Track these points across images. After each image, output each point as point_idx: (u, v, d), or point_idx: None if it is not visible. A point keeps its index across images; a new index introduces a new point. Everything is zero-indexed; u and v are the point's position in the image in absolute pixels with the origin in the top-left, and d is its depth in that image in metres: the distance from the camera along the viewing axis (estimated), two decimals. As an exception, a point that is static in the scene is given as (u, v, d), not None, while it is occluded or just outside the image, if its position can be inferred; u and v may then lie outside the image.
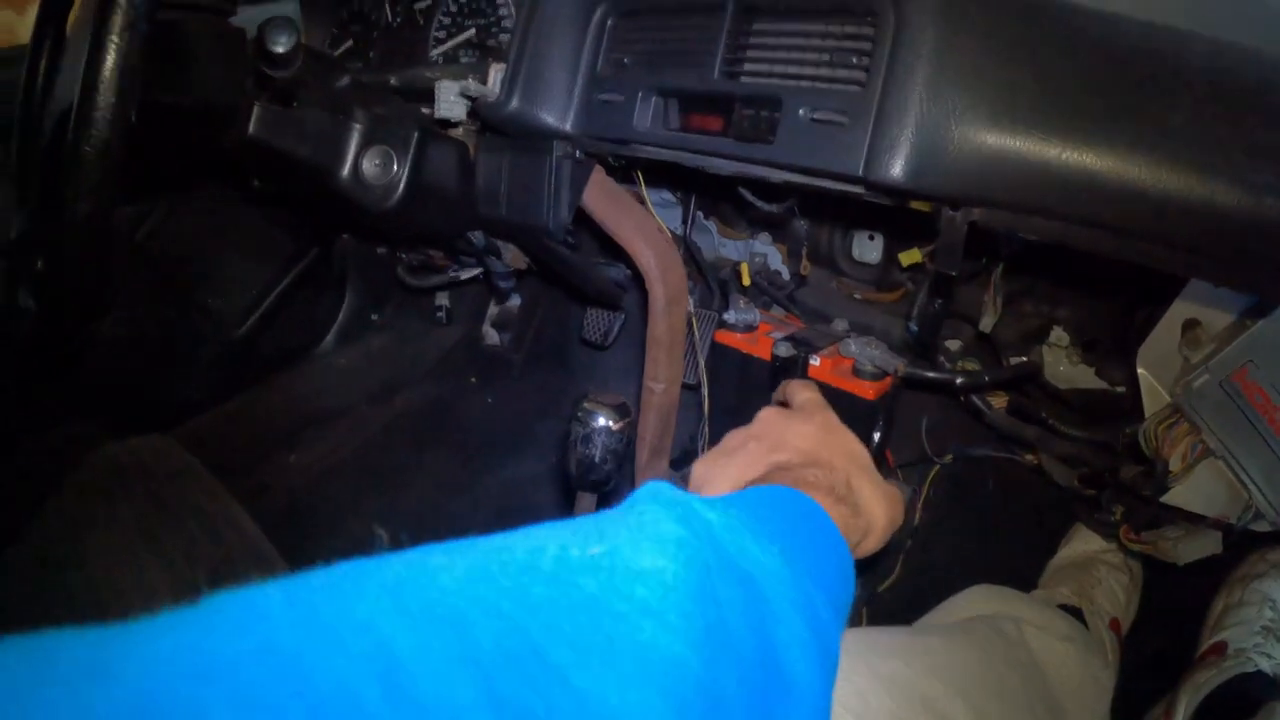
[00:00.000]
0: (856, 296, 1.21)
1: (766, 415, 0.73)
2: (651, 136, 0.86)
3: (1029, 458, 1.19)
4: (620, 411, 0.82)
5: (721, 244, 1.30)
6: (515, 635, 0.31)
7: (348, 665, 0.27)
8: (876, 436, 0.97)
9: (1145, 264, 0.67)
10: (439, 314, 1.54)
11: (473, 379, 1.55)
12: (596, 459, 0.81)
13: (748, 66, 0.79)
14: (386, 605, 0.29)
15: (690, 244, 1.26)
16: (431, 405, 1.52)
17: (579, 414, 0.82)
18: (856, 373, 1.01)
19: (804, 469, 0.61)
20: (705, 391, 1.09)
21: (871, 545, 0.63)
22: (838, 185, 0.74)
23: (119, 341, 1.29)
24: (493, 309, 1.52)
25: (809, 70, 0.74)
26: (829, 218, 1.17)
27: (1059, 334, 1.17)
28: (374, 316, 1.56)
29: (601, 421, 0.81)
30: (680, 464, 1.16)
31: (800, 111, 0.73)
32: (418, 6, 1.16)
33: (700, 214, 1.27)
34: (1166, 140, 0.61)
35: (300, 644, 0.27)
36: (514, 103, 0.93)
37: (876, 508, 0.62)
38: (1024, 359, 1.14)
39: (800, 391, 0.77)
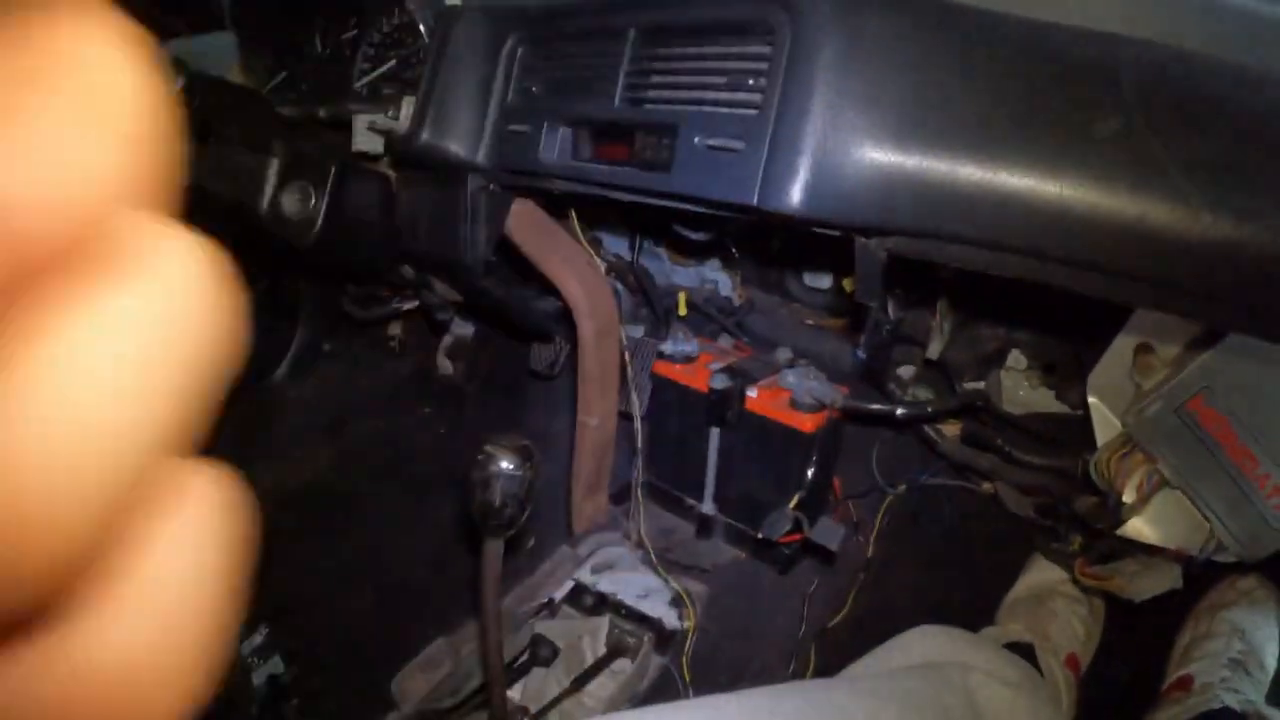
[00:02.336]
0: (808, 322, 1.17)
1: None
2: (559, 167, 0.83)
3: (986, 486, 1.15)
4: (522, 455, 0.78)
5: (673, 270, 1.27)
6: None
7: None
8: (810, 472, 0.93)
9: (1082, 293, 0.62)
10: (392, 343, 1.51)
11: (426, 409, 1.52)
12: (496, 503, 0.78)
13: (650, 93, 0.75)
14: None
15: (639, 271, 1.23)
16: (384, 436, 1.49)
17: (479, 458, 0.79)
18: (794, 405, 0.97)
19: None
20: (638, 425, 1.06)
21: None
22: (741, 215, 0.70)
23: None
24: (446, 338, 1.49)
25: (709, 95, 0.70)
26: (770, 243, 1.13)
27: (1016, 357, 1.12)
28: (326, 346, 1.53)
29: (501, 465, 0.78)
30: (621, 498, 1.12)
31: (695, 139, 0.69)
32: (344, 38, 1.14)
33: (650, 241, 1.24)
34: (1091, 155, 0.56)
35: None
36: (424, 136, 0.90)
37: None
38: (978, 386, 1.10)
39: None
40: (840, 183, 0.60)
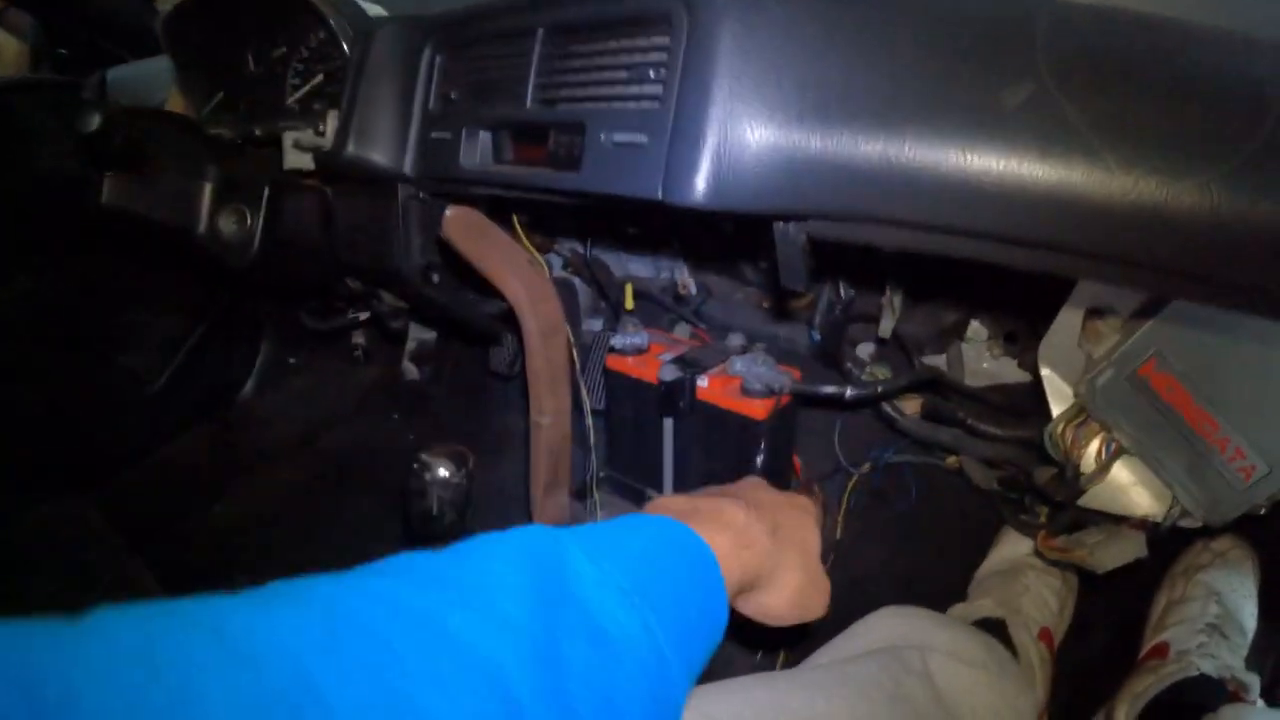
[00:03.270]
0: (765, 305, 1.16)
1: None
2: (478, 172, 0.82)
3: (951, 461, 1.13)
4: (457, 461, 0.78)
5: (630, 261, 1.26)
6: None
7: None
8: (759, 460, 0.92)
9: (1012, 267, 0.61)
10: (356, 353, 1.51)
11: (395, 416, 1.52)
12: (434, 511, 0.78)
13: (560, 93, 0.74)
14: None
15: (594, 264, 1.22)
16: (355, 446, 1.49)
17: (414, 466, 0.78)
18: (745, 392, 0.96)
19: (733, 500, 0.62)
20: (588, 420, 1.05)
21: (775, 606, 0.63)
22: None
23: (34, 407, 1.28)
24: (410, 344, 1.49)
25: (614, 91, 0.69)
26: (722, 229, 1.12)
27: (976, 328, 1.11)
28: (291, 360, 1.53)
29: (439, 473, 0.78)
30: (582, 495, 1.12)
31: (602, 136, 0.68)
32: (275, 56, 1.13)
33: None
34: (1001, 125, 0.54)
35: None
36: (349, 149, 0.89)
37: (790, 574, 0.63)
38: (938, 360, 1.09)
39: None
40: (745, 170, 0.59)
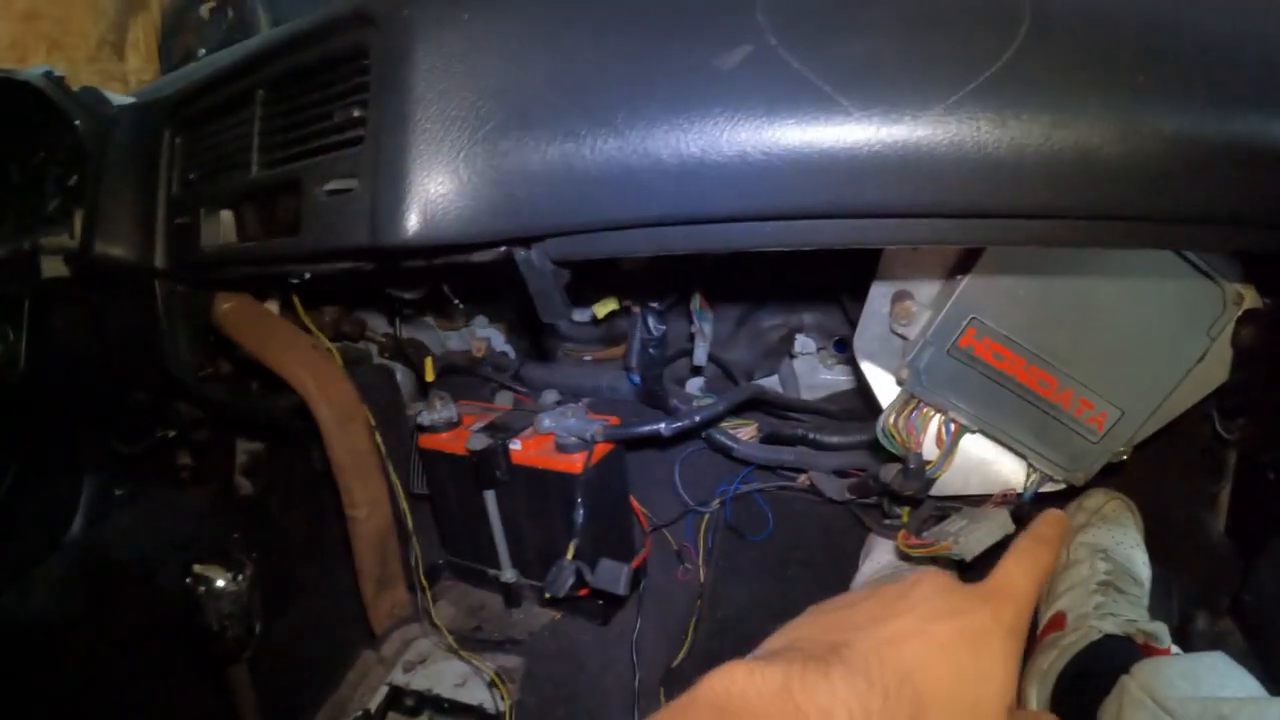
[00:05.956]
0: (587, 358, 1.12)
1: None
2: (218, 253, 0.77)
3: (802, 479, 1.09)
4: (232, 567, 0.70)
5: (446, 337, 1.21)
6: None
7: None
8: (580, 515, 0.86)
9: (801, 247, 0.56)
10: (183, 474, 1.41)
11: (235, 535, 1.41)
12: (214, 628, 0.70)
13: (278, 153, 0.70)
14: None
15: (407, 346, 1.16)
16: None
17: (186, 580, 0.70)
18: (560, 448, 0.91)
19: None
20: (404, 505, 0.98)
21: None
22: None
23: None
24: (240, 456, 1.41)
25: (329, 140, 0.65)
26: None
27: (804, 341, 1.09)
28: (118, 491, 1.43)
29: (215, 584, 0.70)
30: (435, 574, 1.04)
31: (317, 190, 0.63)
32: (36, 160, 1.06)
33: (413, 311, 1.18)
34: (717, 90, 0.49)
35: None
36: (96, 248, 0.83)
37: None
38: (769, 380, 1.06)
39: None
40: (456, 197, 0.55)
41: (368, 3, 0.60)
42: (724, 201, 0.52)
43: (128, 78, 1.54)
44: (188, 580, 0.70)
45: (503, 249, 0.61)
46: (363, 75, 0.61)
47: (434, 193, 0.55)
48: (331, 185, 0.62)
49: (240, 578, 0.70)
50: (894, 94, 0.47)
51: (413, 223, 0.55)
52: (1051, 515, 0.52)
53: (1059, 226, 0.53)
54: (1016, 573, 0.46)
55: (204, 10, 1.51)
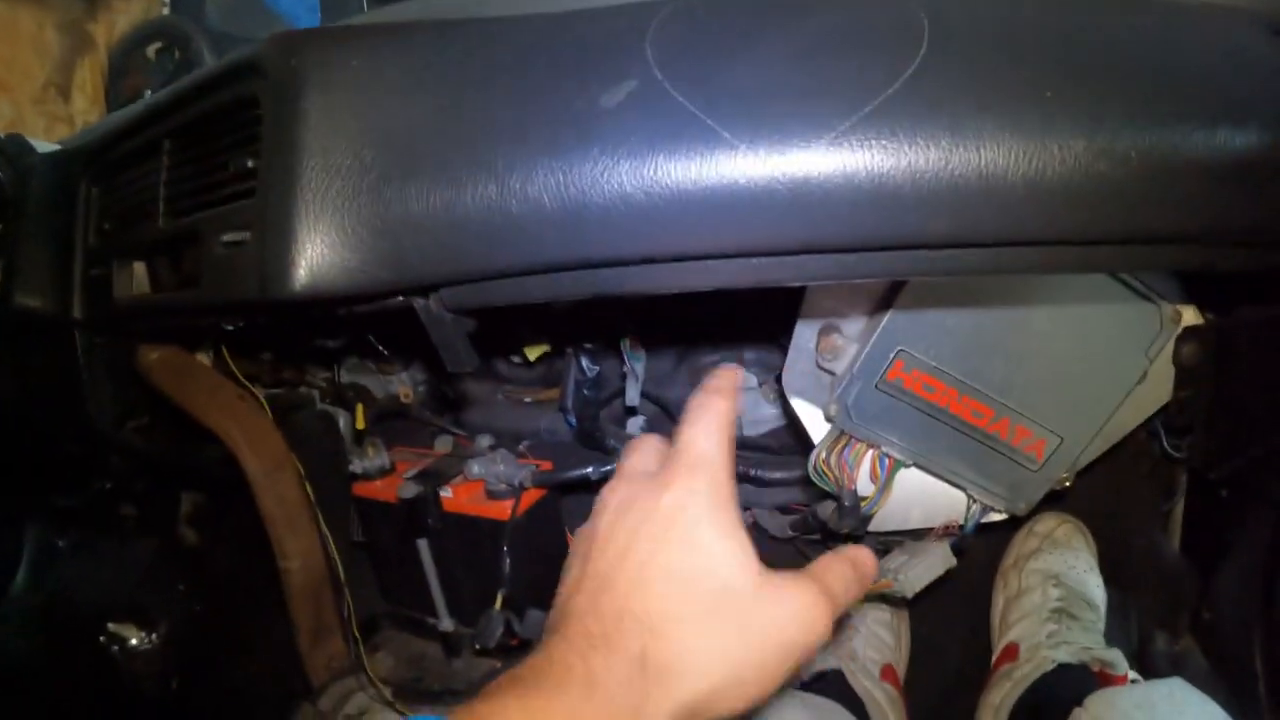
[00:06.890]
0: (527, 400, 1.10)
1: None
2: (132, 305, 0.76)
3: (745, 516, 1.08)
4: (143, 623, 0.69)
5: (388, 383, 1.19)
6: None
7: None
8: (507, 564, 0.85)
9: (701, 289, 0.55)
10: (127, 524, 1.38)
11: (180, 587, 1.39)
12: (129, 687, 0.68)
13: (182, 203, 0.69)
14: None
15: (348, 392, 1.15)
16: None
17: (100, 640, 0.68)
18: (490, 494, 0.90)
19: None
20: (334, 555, 0.96)
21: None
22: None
23: None
24: (185, 505, 1.38)
25: (228, 190, 0.64)
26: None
27: (746, 376, 1.08)
28: (60, 543, 1.40)
29: (128, 642, 0.68)
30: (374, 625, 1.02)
31: (214, 241, 0.63)
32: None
33: (356, 357, 1.16)
34: (599, 129, 0.48)
35: None
36: (15, 299, 0.83)
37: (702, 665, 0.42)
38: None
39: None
40: (341, 250, 0.54)
41: (258, 52, 0.60)
42: (609, 245, 0.51)
43: (74, 119, 1.52)
44: (101, 639, 0.68)
45: (400, 299, 0.60)
46: (255, 125, 0.60)
47: (320, 244, 0.54)
48: (228, 237, 0.61)
49: (154, 636, 0.68)
50: (781, 124, 0.46)
51: (300, 275, 0.54)
52: (723, 367, 0.54)
53: (970, 255, 0.52)
54: (694, 435, 0.48)
55: (150, 51, 1.51)
